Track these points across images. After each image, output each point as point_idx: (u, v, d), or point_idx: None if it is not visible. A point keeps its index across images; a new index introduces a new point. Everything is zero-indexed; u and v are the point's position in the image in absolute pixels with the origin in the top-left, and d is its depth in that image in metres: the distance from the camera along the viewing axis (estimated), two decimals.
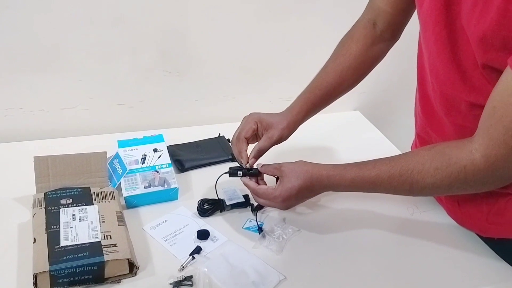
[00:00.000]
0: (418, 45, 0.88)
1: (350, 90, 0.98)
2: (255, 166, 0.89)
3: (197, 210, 0.93)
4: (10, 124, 1.13)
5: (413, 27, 0.92)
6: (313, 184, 0.82)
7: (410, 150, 1.08)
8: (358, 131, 1.32)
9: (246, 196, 0.96)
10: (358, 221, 0.94)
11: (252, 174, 0.89)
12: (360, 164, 0.81)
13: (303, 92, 0.95)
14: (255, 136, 0.93)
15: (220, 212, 0.94)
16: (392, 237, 0.92)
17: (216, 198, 0.94)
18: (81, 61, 1.12)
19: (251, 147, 0.92)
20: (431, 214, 0.97)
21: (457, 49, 0.74)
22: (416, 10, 0.85)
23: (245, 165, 0.89)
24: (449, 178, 0.72)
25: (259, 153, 0.89)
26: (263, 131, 0.91)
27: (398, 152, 1.20)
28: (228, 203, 0.94)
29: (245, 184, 0.88)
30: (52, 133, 1.16)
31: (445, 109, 0.82)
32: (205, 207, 0.94)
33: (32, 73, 1.10)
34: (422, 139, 0.93)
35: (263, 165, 0.88)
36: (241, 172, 0.88)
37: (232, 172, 0.89)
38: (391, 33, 0.94)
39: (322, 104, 0.96)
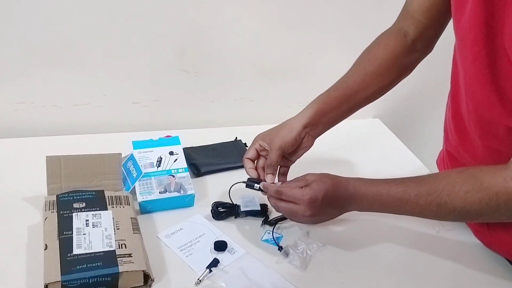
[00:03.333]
0: (453, 60, 0.83)
1: (374, 99, 0.91)
2: (276, 181, 0.85)
3: (211, 212, 0.90)
4: (21, 119, 1.10)
5: (444, 35, 0.89)
6: (339, 191, 0.77)
7: (435, 163, 1.04)
8: (377, 140, 1.28)
9: (263, 206, 0.92)
10: (384, 237, 0.90)
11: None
12: (387, 179, 0.77)
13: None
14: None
15: (235, 218, 0.91)
16: (418, 255, 0.88)
17: (231, 202, 0.91)
18: (96, 56, 1.08)
19: None
20: (457, 233, 0.93)
21: (497, 70, 0.69)
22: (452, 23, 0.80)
23: (260, 181, 0.85)
24: (480, 203, 0.68)
25: (271, 168, 0.84)
26: (269, 146, 0.86)
27: (420, 164, 1.17)
28: (243, 209, 0.90)
29: (266, 188, 0.82)
30: (64, 130, 1.12)
31: (480, 131, 0.77)
32: (220, 210, 0.91)
33: (45, 67, 1.06)
34: (452, 158, 0.89)
35: (284, 182, 0.84)
36: (258, 186, 0.84)
37: (249, 184, 0.85)
38: (423, 44, 0.89)
39: (339, 106, 0.87)
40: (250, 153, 0.87)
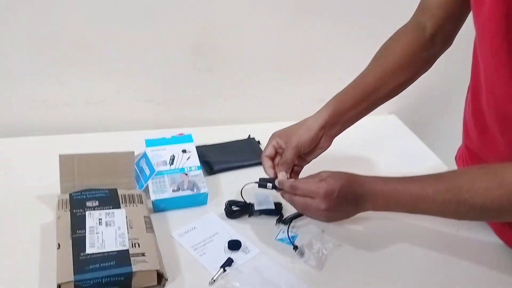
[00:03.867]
0: (473, 54, 0.81)
1: (393, 96, 0.89)
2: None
3: (225, 211, 0.89)
4: (34, 118, 1.10)
5: (463, 28, 0.86)
6: (355, 187, 0.75)
7: (453, 160, 1.01)
8: (394, 136, 1.25)
9: (277, 204, 0.90)
10: (401, 237, 0.88)
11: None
12: (404, 177, 0.75)
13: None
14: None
15: (248, 216, 0.89)
16: (437, 255, 0.85)
17: (243, 200, 0.90)
18: (108, 54, 1.07)
19: None
20: (477, 232, 0.90)
21: None
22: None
23: (273, 180, 0.83)
24: (500, 199, 0.65)
25: (285, 166, 0.82)
26: (285, 144, 0.85)
27: (438, 160, 1.14)
28: (256, 208, 0.88)
29: (281, 183, 0.80)
30: (77, 128, 1.12)
31: (501, 127, 0.75)
32: (233, 209, 0.89)
33: (57, 66, 1.06)
34: (472, 154, 0.86)
35: (296, 179, 0.82)
36: (270, 185, 0.82)
37: (262, 184, 0.83)
38: (442, 38, 0.86)
39: (358, 104, 0.85)
40: (269, 151, 0.85)
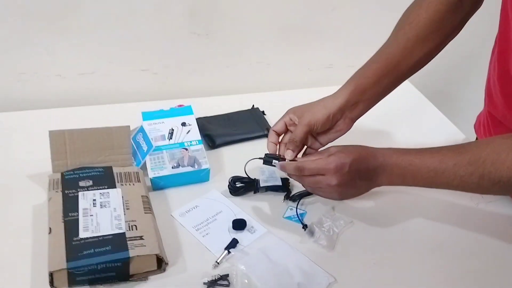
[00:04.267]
0: (501, 15, 0.72)
1: (419, 68, 0.80)
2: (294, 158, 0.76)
3: (228, 188, 0.83)
4: (24, 91, 1.03)
5: None
6: (368, 160, 0.69)
7: (471, 129, 0.95)
8: (409, 105, 1.17)
9: (285, 180, 0.84)
10: (417, 211, 0.82)
11: None
12: (421, 149, 0.69)
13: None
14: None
15: (254, 193, 0.84)
16: (455, 231, 0.80)
17: (246, 176, 0.83)
18: (99, 20, 0.99)
19: None
20: (498, 205, 0.84)
21: None
22: None
23: (278, 155, 0.76)
24: None
25: (293, 144, 0.75)
26: (298, 120, 0.77)
27: (455, 129, 1.07)
28: (262, 184, 0.82)
29: (284, 166, 0.74)
30: (70, 101, 1.05)
31: None
32: (237, 185, 0.83)
33: (47, 34, 0.98)
34: (496, 122, 0.79)
35: (303, 157, 0.75)
36: (276, 161, 0.75)
37: (267, 160, 0.76)
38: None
39: (381, 80, 0.76)
40: (278, 126, 0.78)
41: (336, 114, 0.76)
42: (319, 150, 0.75)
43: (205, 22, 1.05)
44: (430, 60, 0.80)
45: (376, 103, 0.80)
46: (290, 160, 0.75)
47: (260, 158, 0.77)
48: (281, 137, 0.79)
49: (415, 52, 0.77)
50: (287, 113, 0.79)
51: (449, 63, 1.25)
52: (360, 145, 0.72)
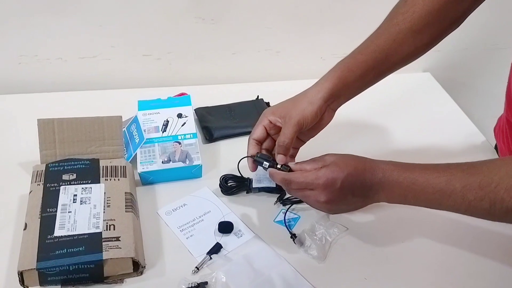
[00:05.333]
0: None
1: (409, 61, 0.73)
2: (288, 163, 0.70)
3: (219, 186, 0.79)
4: (24, 74, 1.01)
5: None
6: (365, 175, 0.63)
7: (491, 128, 0.86)
8: (426, 98, 1.09)
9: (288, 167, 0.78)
10: (419, 226, 0.76)
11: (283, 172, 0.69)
12: (427, 165, 0.62)
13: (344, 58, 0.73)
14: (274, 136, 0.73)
15: (246, 193, 0.79)
16: (460, 251, 0.73)
17: (239, 175, 0.79)
18: (102, 3, 0.95)
19: None
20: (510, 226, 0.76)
21: None
22: None
23: (272, 159, 0.70)
24: None
25: (283, 148, 0.68)
26: (283, 121, 0.70)
27: (474, 129, 0.99)
28: (255, 185, 0.77)
29: (272, 175, 0.68)
30: (70, 85, 1.03)
31: None
32: (229, 184, 0.79)
33: (47, 16, 0.95)
34: None
35: (298, 162, 0.69)
36: (267, 164, 0.69)
37: (258, 161, 0.70)
38: None
39: (366, 73, 0.70)
40: (258, 133, 0.71)
41: (322, 107, 0.69)
42: (315, 158, 0.68)
43: (211, 6, 0.99)
44: (422, 54, 0.73)
45: (360, 93, 0.74)
46: (281, 166, 0.69)
47: (251, 157, 0.72)
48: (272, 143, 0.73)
49: (406, 45, 0.69)
50: (264, 115, 0.72)
51: (475, 54, 1.15)
52: (359, 157, 0.66)
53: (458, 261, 0.71)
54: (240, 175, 0.78)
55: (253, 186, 0.77)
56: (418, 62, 1.15)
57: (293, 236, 0.71)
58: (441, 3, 0.68)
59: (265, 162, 0.70)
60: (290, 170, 0.68)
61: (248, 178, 0.79)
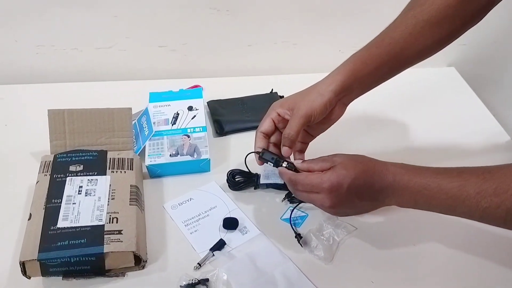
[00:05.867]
0: None
1: (426, 56, 0.69)
2: (293, 160, 0.69)
3: (227, 181, 0.78)
4: (40, 64, 1.02)
5: None
6: (374, 178, 0.60)
7: None
8: (449, 95, 1.04)
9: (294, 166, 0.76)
10: (433, 229, 0.72)
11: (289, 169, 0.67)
12: (439, 169, 0.59)
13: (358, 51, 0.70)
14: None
15: (254, 189, 0.77)
16: (476, 259, 0.69)
17: (247, 170, 0.77)
18: None
19: None
20: None
21: None
22: None
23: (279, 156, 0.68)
24: None
25: (288, 140, 0.66)
26: (290, 113, 0.68)
27: (498, 128, 0.94)
28: (262, 181, 0.75)
29: (280, 174, 0.67)
30: (86, 76, 1.03)
31: None
32: (236, 179, 0.77)
33: (65, 7, 0.95)
34: None
35: (305, 160, 0.66)
36: (273, 160, 0.67)
37: (264, 158, 0.68)
38: None
39: (380, 67, 0.67)
40: (265, 125, 0.69)
41: (332, 100, 0.66)
42: (324, 156, 0.66)
43: None
44: (440, 49, 0.68)
45: (373, 88, 0.70)
46: (287, 164, 0.66)
47: (257, 153, 0.70)
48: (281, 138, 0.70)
49: (422, 39, 0.66)
50: (272, 108, 0.70)
51: (504, 48, 1.08)
52: (368, 159, 0.63)
53: (471, 268, 0.68)
54: (247, 170, 0.77)
55: (261, 182, 0.75)
56: (442, 56, 1.11)
57: (298, 236, 0.69)
58: None
59: (269, 162, 0.68)
60: (296, 169, 0.66)
61: (256, 173, 0.77)
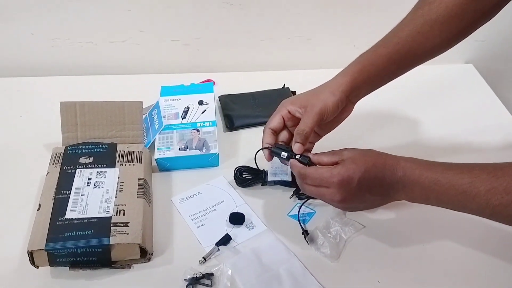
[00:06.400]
0: None
1: (435, 55, 0.69)
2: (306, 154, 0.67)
3: (234, 178, 0.77)
4: (56, 56, 1.03)
5: None
6: (384, 172, 0.59)
7: None
8: (466, 92, 1.01)
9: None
10: (444, 228, 0.71)
11: (301, 163, 0.66)
12: (451, 164, 0.58)
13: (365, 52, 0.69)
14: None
15: (262, 185, 0.77)
16: (489, 260, 0.67)
17: (256, 167, 0.77)
18: None
19: None
20: None
21: None
22: None
23: (290, 149, 0.67)
24: None
25: (302, 136, 0.66)
26: (303, 110, 0.68)
27: None
28: (270, 178, 0.74)
29: (291, 166, 0.66)
30: (100, 69, 1.04)
31: None
32: (244, 176, 0.77)
33: (79, 0, 0.96)
34: None
35: (316, 153, 0.66)
36: (285, 154, 0.67)
37: (275, 151, 0.68)
38: None
39: (389, 67, 0.67)
40: (275, 122, 0.68)
41: (343, 100, 0.66)
42: (334, 150, 0.65)
43: None
44: (450, 47, 0.67)
45: (382, 86, 0.70)
46: (300, 157, 0.66)
47: (268, 148, 0.69)
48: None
49: (431, 38, 0.65)
50: (283, 105, 0.69)
51: None
52: (379, 153, 0.62)
53: (482, 270, 0.66)
54: (256, 167, 0.76)
55: (268, 180, 0.75)
56: (460, 53, 1.09)
57: (305, 232, 0.68)
58: None
59: (283, 153, 0.67)
60: (310, 161, 0.65)
61: (263, 170, 0.76)
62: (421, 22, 0.64)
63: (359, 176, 0.59)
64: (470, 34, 0.67)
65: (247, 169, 0.77)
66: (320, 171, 0.62)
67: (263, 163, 0.75)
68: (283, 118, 0.68)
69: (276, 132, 0.69)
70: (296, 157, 0.66)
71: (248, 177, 0.77)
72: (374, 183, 0.60)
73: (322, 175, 0.61)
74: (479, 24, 0.66)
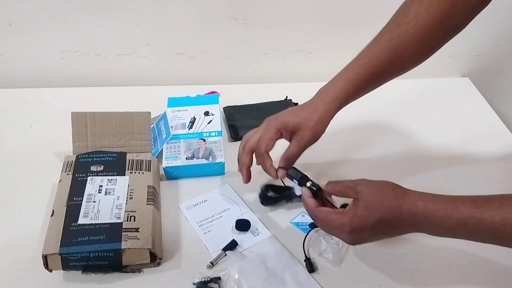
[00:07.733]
0: None
1: (411, 68, 0.71)
2: (318, 183, 0.68)
3: (260, 197, 0.78)
4: (65, 68, 1.06)
5: None
6: (401, 221, 0.57)
7: None
8: (462, 106, 1.04)
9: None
10: None
11: (313, 191, 0.66)
12: (477, 199, 0.55)
13: (344, 69, 0.71)
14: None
15: (286, 202, 0.78)
16: (493, 259, 0.70)
17: (283, 184, 0.78)
18: (139, 2, 0.99)
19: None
20: None
21: None
22: None
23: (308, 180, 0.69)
24: None
25: (287, 162, 0.69)
26: (290, 136, 0.70)
27: None
28: (298, 193, 0.73)
29: (303, 199, 0.67)
30: (108, 80, 1.08)
31: None
32: (269, 195, 0.77)
33: (89, 14, 1.00)
34: None
35: (330, 182, 0.65)
36: (298, 179, 0.69)
37: (290, 175, 0.70)
38: None
39: (369, 86, 0.71)
40: (270, 146, 0.70)
41: (328, 123, 0.70)
42: (347, 182, 0.63)
43: (243, 6, 1.01)
44: (422, 62, 0.71)
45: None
46: (310, 185, 0.67)
47: (286, 168, 0.70)
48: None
49: (407, 56, 0.68)
50: (272, 126, 0.70)
51: None
52: (395, 194, 0.58)
53: (486, 277, 0.68)
54: (283, 183, 0.77)
55: (297, 194, 0.75)
56: (456, 67, 1.12)
57: (307, 260, 0.69)
58: (444, 12, 0.65)
59: (298, 179, 0.69)
60: (319, 188, 0.66)
61: (288, 187, 0.77)
62: (398, 43, 0.67)
63: (371, 224, 0.57)
64: (441, 47, 0.70)
65: (272, 187, 0.78)
66: (330, 218, 0.61)
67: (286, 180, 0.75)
68: (275, 141, 0.70)
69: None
70: (307, 184, 0.67)
71: (274, 195, 0.77)
72: (390, 227, 0.59)
73: (333, 223, 0.60)
74: (451, 36, 0.69)
